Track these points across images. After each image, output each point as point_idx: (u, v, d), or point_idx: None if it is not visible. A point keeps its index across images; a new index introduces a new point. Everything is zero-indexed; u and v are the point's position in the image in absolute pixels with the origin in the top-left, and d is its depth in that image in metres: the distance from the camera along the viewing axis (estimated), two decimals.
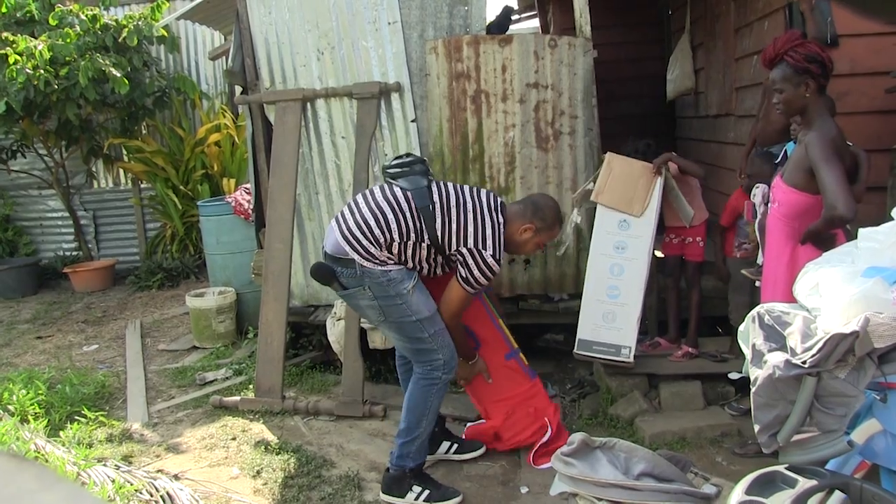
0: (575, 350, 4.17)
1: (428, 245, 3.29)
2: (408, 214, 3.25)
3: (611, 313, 4.16)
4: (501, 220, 3.33)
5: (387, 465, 3.51)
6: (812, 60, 3.01)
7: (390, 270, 3.26)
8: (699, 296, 4.44)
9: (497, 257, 3.26)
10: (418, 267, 3.38)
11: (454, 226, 3.27)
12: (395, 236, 3.24)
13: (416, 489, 3.41)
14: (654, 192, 4.15)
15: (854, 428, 2.15)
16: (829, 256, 2.58)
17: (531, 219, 3.38)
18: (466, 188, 3.43)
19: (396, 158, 3.47)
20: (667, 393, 4.16)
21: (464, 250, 3.25)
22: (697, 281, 4.44)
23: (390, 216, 3.25)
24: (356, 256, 3.24)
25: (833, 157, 2.85)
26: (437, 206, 3.28)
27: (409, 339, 3.37)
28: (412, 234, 3.26)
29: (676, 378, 4.23)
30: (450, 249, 3.28)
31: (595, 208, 4.27)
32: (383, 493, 3.46)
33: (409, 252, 3.30)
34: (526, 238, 3.41)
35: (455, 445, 3.83)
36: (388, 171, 3.43)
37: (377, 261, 3.25)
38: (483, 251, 3.24)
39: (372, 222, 3.24)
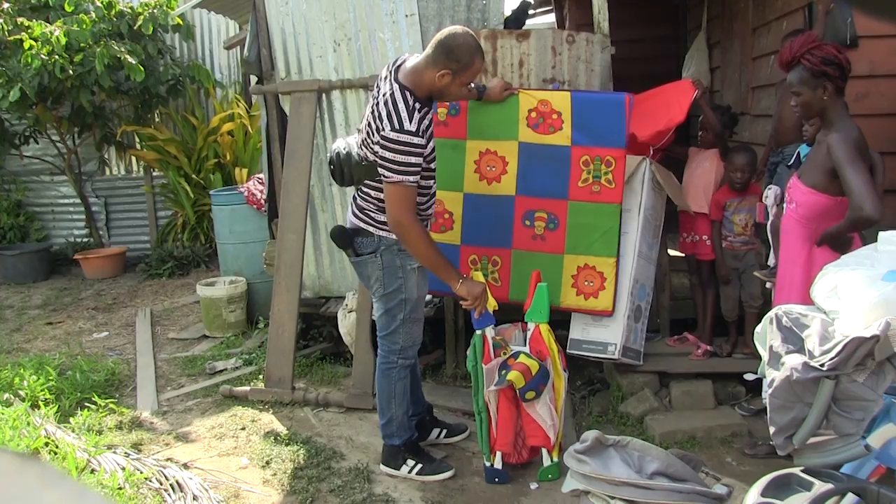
0: (567, 349, 4.12)
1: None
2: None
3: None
4: (395, 85, 3.15)
5: None
6: (829, 63, 2.99)
7: None
8: (714, 295, 4.42)
9: (398, 127, 3.07)
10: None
11: (366, 137, 3.25)
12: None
13: (411, 462, 3.59)
14: (637, 182, 4.14)
15: (871, 432, 2.13)
16: (848, 259, 2.57)
17: (445, 63, 3.13)
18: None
19: (331, 167, 3.51)
20: (677, 392, 4.15)
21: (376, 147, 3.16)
22: (712, 280, 4.43)
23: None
24: (372, 228, 3.38)
25: (858, 157, 2.84)
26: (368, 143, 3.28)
27: (388, 314, 3.47)
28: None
29: (687, 377, 4.22)
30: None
31: None
32: (382, 464, 3.66)
33: None
34: (446, 83, 3.17)
35: (444, 431, 3.98)
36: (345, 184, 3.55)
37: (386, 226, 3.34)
38: (382, 132, 3.10)
39: (367, 200, 3.41)
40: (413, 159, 3.10)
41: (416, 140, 3.09)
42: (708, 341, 4.37)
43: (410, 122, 3.09)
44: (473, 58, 3.17)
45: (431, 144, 3.27)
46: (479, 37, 4.39)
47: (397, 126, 3.08)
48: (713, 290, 4.43)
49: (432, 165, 3.37)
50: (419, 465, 3.58)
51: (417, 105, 3.15)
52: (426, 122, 3.20)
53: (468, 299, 3.37)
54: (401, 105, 3.11)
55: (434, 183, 3.47)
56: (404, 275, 3.39)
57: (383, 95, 3.18)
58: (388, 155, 3.09)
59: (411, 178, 3.13)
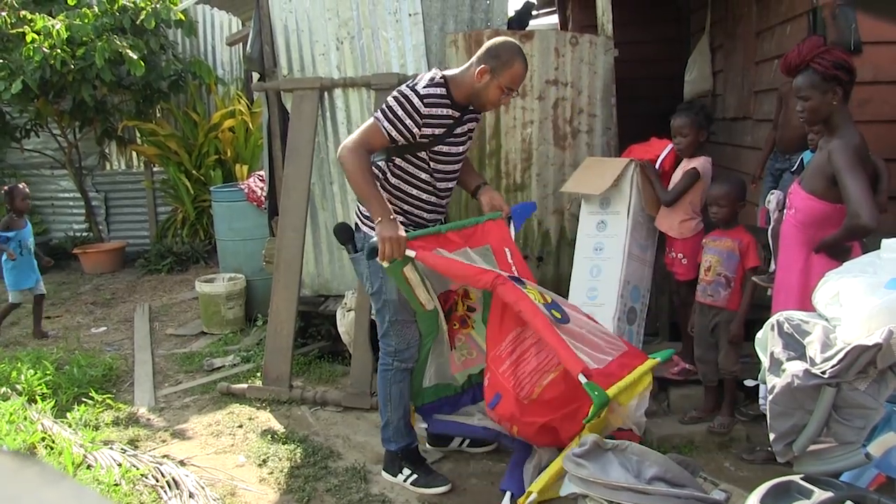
0: None
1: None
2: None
3: (590, 314, 4.11)
4: (437, 71, 3.24)
5: None
6: (840, 67, 2.96)
7: None
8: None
9: (411, 85, 3.13)
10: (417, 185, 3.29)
11: None
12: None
13: (406, 471, 3.53)
14: (626, 184, 4.13)
15: (872, 440, 2.12)
16: (850, 266, 2.56)
17: (484, 60, 3.11)
18: None
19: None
20: (676, 396, 4.14)
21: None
22: (690, 300, 4.15)
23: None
24: (359, 223, 3.37)
25: (858, 165, 2.82)
26: None
27: (378, 314, 3.46)
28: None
29: (686, 381, 4.20)
30: None
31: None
32: (383, 468, 3.62)
33: (395, 178, 3.29)
34: (485, 83, 3.12)
35: (468, 439, 3.84)
36: None
37: (372, 222, 3.21)
38: (401, 86, 3.19)
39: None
40: (400, 112, 3.07)
41: (416, 101, 3.07)
42: (690, 360, 4.25)
43: (424, 87, 3.11)
44: (513, 58, 3.12)
45: (429, 131, 3.15)
46: (481, 37, 4.42)
47: (411, 84, 3.16)
48: (690, 309, 4.16)
49: (440, 167, 3.28)
50: (414, 476, 3.50)
51: (441, 88, 3.14)
52: (438, 101, 3.13)
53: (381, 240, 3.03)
54: (427, 76, 3.18)
55: (443, 186, 3.37)
56: (383, 275, 3.29)
57: (433, 73, 3.23)
58: (387, 98, 3.15)
59: (388, 125, 3.09)
